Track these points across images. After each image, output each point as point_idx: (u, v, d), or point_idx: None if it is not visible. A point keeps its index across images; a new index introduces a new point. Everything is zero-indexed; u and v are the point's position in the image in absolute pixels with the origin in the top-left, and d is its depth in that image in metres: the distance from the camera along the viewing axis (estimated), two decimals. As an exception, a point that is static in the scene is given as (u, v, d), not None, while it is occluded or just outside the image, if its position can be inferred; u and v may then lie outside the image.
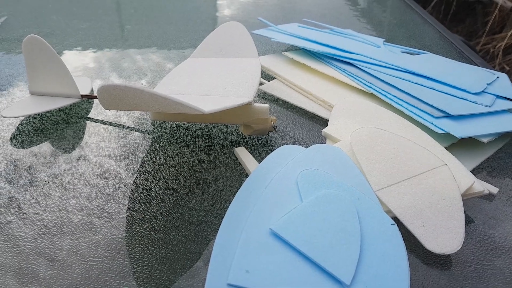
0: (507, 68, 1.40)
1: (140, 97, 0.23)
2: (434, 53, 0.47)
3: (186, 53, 0.50)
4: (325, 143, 0.34)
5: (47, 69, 0.36)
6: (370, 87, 0.39)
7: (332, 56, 0.44)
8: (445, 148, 0.31)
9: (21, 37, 0.53)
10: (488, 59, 1.49)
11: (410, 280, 0.22)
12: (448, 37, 0.58)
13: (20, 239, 0.25)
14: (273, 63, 0.45)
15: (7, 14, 0.60)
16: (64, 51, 0.50)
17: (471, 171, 0.31)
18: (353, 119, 0.34)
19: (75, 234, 0.25)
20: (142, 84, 0.42)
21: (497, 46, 1.48)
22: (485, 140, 0.33)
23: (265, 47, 0.51)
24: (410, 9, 0.70)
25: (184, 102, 0.23)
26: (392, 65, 0.41)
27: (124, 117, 0.37)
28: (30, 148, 0.33)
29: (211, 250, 0.22)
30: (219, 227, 0.24)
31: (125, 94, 0.23)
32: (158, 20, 0.61)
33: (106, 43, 0.52)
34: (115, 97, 0.24)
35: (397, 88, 0.38)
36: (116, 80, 0.44)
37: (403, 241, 0.23)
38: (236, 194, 0.26)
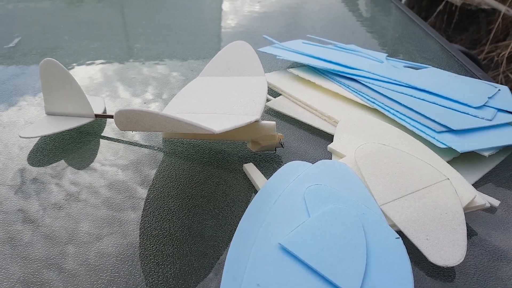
0: (511, 76, 1.40)
1: (155, 119, 0.25)
2: (436, 67, 0.48)
3: (195, 71, 0.51)
4: (331, 158, 0.35)
5: (63, 90, 0.37)
6: (373, 102, 0.40)
7: (336, 72, 0.45)
8: (447, 162, 0.32)
9: (35, 57, 0.55)
10: (492, 68, 1.50)
11: (415, 292, 0.23)
12: (450, 49, 0.59)
13: (36, 252, 0.26)
14: (278, 79, 0.46)
15: (21, 35, 0.63)
16: (76, 70, 0.52)
17: (473, 185, 0.32)
18: (358, 135, 0.35)
19: (93, 251, 0.27)
20: (145, 104, 0.44)
21: (501, 55, 1.49)
22: (486, 153, 0.34)
23: (271, 63, 0.53)
24: (412, 23, 0.72)
25: (196, 123, 0.25)
26: (395, 80, 0.43)
27: (136, 135, 0.39)
28: (47, 166, 0.34)
29: (223, 264, 0.24)
30: (230, 242, 0.25)
31: (141, 117, 0.24)
32: (166, 38, 0.63)
33: (116, 61, 0.54)
34: (131, 120, 0.25)
35: (400, 103, 0.39)
36: (126, 98, 0.45)
37: (407, 254, 0.24)
38: (246, 210, 0.27)
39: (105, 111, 0.42)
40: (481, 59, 1.51)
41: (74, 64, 0.53)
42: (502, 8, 1.50)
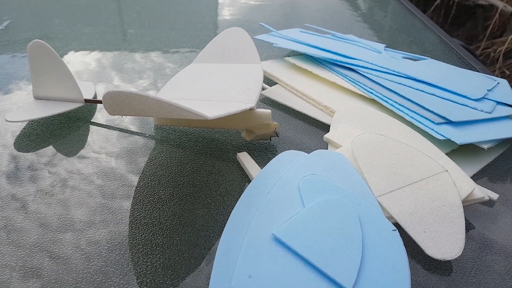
0: (507, 72, 1.40)
1: (145, 103, 0.24)
2: (435, 59, 0.47)
3: (188, 57, 0.50)
4: (327, 148, 0.34)
5: (51, 73, 0.36)
6: (371, 92, 0.39)
7: (333, 61, 0.44)
8: (445, 154, 0.32)
9: (25, 41, 0.53)
10: (488, 63, 1.50)
11: (411, 285, 0.22)
12: (449, 42, 0.58)
13: (23, 237, 0.25)
14: (275, 68, 0.45)
15: (11, 18, 0.61)
16: (68, 55, 0.50)
17: (471, 177, 0.31)
18: (355, 125, 0.35)
19: (80, 239, 0.26)
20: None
21: (497, 50, 1.48)
22: (485, 146, 0.33)
23: (267, 52, 0.52)
24: (411, 14, 0.71)
25: (188, 108, 0.24)
26: (393, 70, 0.42)
27: (128, 122, 0.37)
28: (34, 152, 0.33)
29: (214, 255, 0.23)
30: (222, 232, 0.24)
31: (130, 100, 0.23)
32: (160, 24, 0.61)
33: (109, 47, 0.53)
34: (120, 103, 0.24)
35: (398, 94, 0.38)
36: (119, 84, 0.44)
37: (404, 247, 0.23)
38: (239, 200, 0.26)
39: (95, 96, 0.40)
40: (478, 55, 1.50)
41: (65, 48, 0.52)
42: (500, 4, 1.50)
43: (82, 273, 0.24)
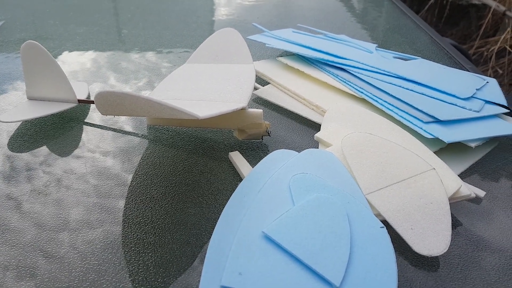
0: (500, 71, 1.41)
1: (136, 103, 0.24)
2: (426, 58, 0.48)
3: (182, 58, 0.51)
4: (318, 147, 0.34)
5: (45, 74, 0.36)
6: (361, 92, 0.40)
7: (325, 61, 0.44)
8: (433, 152, 0.32)
9: (19, 41, 0.54)
10: (481, 63, 1.51)
11: (398, 281, 0.22)
12: (440, 42, 0.59)
13: (18, 237, 0.26)
14: (267, 68, 0.46)
15: (5, 19, 0.61)
16: (62, 56, 0.51)
17: (459, 175, 0.32)
18: (345, 124, 0.35)
19: (71, 238, 0.26)
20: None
21: (490, 50, 1.50)
22: (473, 144, 0.33)
23: (260, 52, 0.52)
24: (403, 15, 0.72)
25: (179, 108, 0.24)
26: (384, 70, 0.42)
27: (121, 122, 0.38)
28: (27, 152, 0.33)
29: (206, 253, 0.23)
30: (213, 230, 0.24)
31: (122, 100, 0.24)
32: (154, 24, 0.61)
33: (103, 47, 0.53)
34: (112, 103, 0.25)
35: (388, 94, 0.39)
36: (113, 84, 0.44)
37: (391, 244, 0.24)
38: (230, 198, 0.27)
39: (89, 96, 0.41)
40: (471, 54, 1.51)
41: (59, 48, 0.52)
42: (492, 3, 1.51)
43: (75, 272, 0.24)
